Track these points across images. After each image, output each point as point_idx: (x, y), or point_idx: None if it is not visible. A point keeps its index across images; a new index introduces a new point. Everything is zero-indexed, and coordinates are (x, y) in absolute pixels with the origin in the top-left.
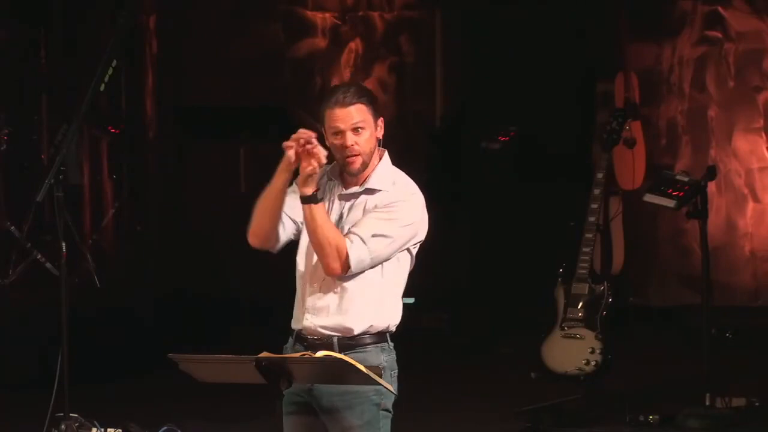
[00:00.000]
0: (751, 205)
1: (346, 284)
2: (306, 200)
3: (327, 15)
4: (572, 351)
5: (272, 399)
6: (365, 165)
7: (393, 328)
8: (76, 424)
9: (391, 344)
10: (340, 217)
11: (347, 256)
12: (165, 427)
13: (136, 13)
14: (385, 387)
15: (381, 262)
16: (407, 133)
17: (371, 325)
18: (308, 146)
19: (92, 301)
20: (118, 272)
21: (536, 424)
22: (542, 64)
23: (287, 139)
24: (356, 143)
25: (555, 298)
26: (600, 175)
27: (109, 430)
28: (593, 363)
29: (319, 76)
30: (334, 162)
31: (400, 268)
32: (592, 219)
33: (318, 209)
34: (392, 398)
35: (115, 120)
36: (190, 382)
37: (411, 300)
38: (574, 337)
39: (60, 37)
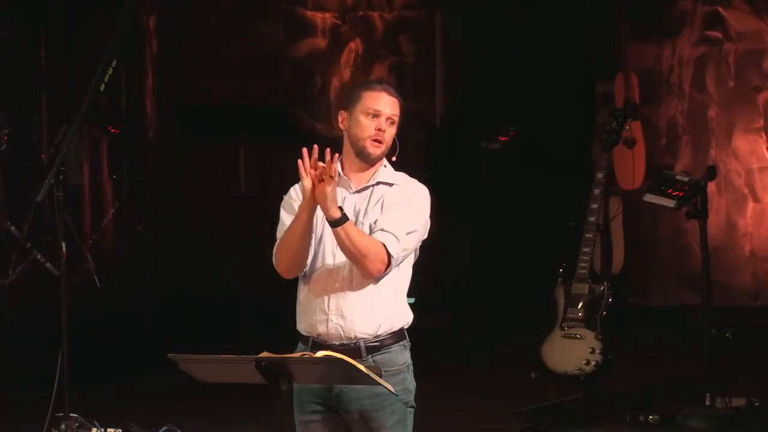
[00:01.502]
0: (751, 205)
1: (369, 285)
2: (336, 223)
3: (327, 15)
4: (572, 351)
5: (272, 399)
6: (382, 156)
7: (407, 326)
8: (76, 424)
9: (408, 341)
10: (356, 212)
11: (389, 255)
12: (165, 427)
13: (136, 13)
14: (385, 387)
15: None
16: (407, 133)
17: (394, 323)
18: (324, 168)
19: (92, 301)
20: (118, 272)
21: (536, 424)
22: (542, 64)
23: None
24: (386, 131)
25: (555, 298)
26: (600, 175)
27: (109, 430)
28: (593, 363)
29: (319, 76)
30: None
31: (410, 265)
32: (592, 219)
33: (350, 227)
34: (414, 393)
35: (115, 120)
36: (190, 382)
37: (411, 300)
38: (574, 337)
39: (60, 37)
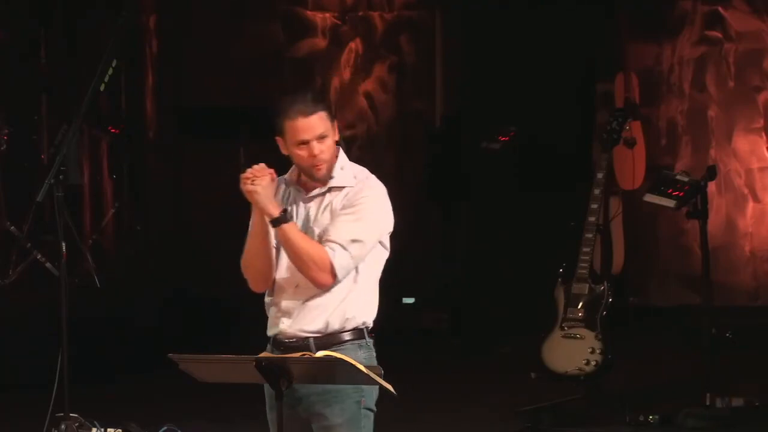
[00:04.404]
0: (751, 205)
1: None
2: (276, 222)
3: (327, 15)
4: (572, 351)
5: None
6: (330, 170)
7: (370, 324)
8: (76, 424)
9: (370, 341)
10: (307, 219)
11: (332, 266)
12: (165, 427)
13: (136, 13)
14: (386, 387)
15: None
16: (407, 133)
17: (347, 322)
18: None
19: (92, 301)
20: (118, 272)
21: (536, 424)
22: (542, 64)
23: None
24: (322, 152)
25: (555, 298)
26: (600, 175)
27: (109, 430)
28: (593, 363)
29: (319, 76)
30: (290, 170)
31: (375, 263)
32: (592, 219)
33: (291, 228)
34: (375, 397)
35: (115, 120)
36: (190, 382)
37: (411, 300)
38: (574, 337)
39: (60, 37)
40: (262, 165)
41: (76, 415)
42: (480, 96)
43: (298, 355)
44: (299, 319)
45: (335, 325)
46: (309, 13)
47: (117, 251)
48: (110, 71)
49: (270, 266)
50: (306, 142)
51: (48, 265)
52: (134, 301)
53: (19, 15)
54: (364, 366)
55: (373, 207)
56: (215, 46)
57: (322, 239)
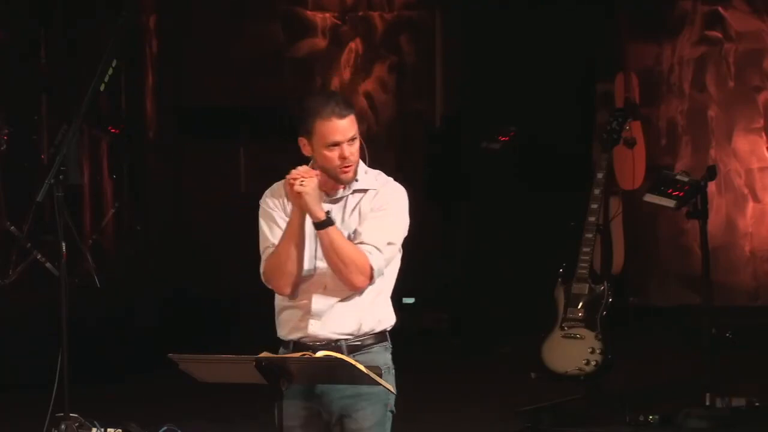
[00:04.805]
0: (751, 205)
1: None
2: (322, 225)
3: (327, 15)
4: (572, 351)
5: (272, 399)
6: (355, 173)
7: (391, 327)
8: (76, 424)
9: (390, 344)
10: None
11: (371, 268)
12: (165, 427)
13: (136, 13)
14: (385, 387)
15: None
16: (407, 133)
17: (378, 324)
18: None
19: (92, 301)
20: (118, 272)
21: (536, 424)
22: (542, 64)
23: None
24: (352, 154)
25: (555, 298)
26: (600, 175)
27: (109, 430)
28: (593, 363)
29: (319, 76)
30: None
31: (395, 265)
32: (592, 219)
33: (335, 231)
34: (394, 397)
35: (115, 120)
36: (190, 382)
37: (411, 300)
38: (574, 337)
39: (60, 37)
40: (306, 167)
41: (76, 415)
42: (480, 96)
43: (298, 355)
44: (330, 321)
45: (367, 327)
46: (309, 13)
47: (117, 251)
48: (110, 71)
49: (301, 269)
50: (338, 144)
51: (48, 265)
52: (134, 301)
53: (19, 15)
54: (365, 366)
55: (401, 209)
56: (215, 46)
57: (353, 241)
